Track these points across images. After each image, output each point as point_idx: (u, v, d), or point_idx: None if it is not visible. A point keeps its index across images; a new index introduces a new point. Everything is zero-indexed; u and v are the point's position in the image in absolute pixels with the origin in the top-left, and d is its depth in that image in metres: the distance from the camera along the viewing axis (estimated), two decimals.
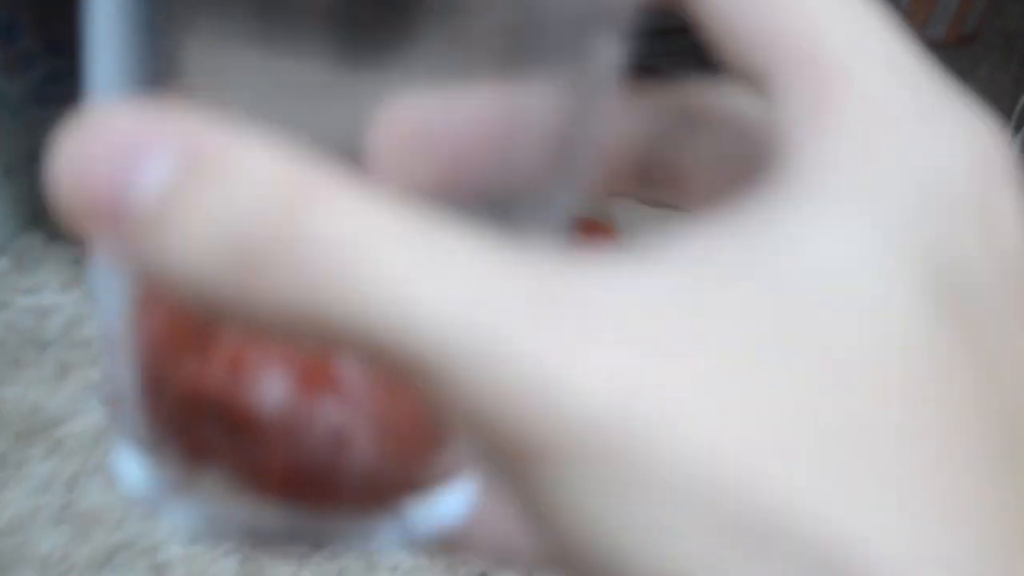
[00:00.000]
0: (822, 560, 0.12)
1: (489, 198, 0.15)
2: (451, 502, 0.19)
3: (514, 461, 0.13)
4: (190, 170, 0.13)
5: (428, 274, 0.12)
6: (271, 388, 0.17)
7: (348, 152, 0.14)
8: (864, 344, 0.13)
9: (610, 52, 0.15)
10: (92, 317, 0.58)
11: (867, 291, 0.13)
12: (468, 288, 0.12)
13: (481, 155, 0.15)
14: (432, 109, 0.14)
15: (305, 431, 0.17)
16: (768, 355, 0.13)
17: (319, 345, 0.13)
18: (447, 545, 0.20)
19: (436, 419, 0.14)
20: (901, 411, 0.13)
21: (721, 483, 0.12)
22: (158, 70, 0.14)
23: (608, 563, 0.12)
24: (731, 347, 0.13)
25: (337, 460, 0.18)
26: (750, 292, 0.13)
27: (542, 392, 0.12)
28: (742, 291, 0.13)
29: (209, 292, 0.13)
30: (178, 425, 0.18)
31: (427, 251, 0.12)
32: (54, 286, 0.60)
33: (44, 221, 0.64)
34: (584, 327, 0.12)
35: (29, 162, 0.62)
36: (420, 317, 0.12)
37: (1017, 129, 0.62)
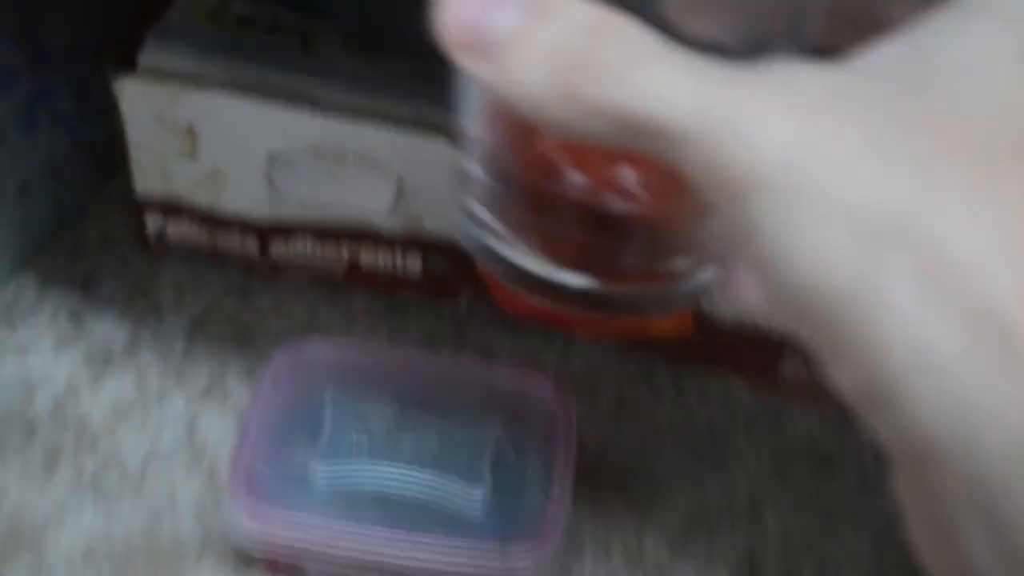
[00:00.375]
0: (926, 252, 0.16)
1: (736, 47, 0.20)
2: (700, 280, 0.25)
3: (731, 200, 0.18)
4: (531, 12, 0.19)
5: (673, 78, 0.18)
6: (574, 180, 0.23)
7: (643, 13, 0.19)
8: (982, 109, 0.17)
9: None
10: (87, 388, 0.50)
11: (993, 77, 0.17)
12: (698, 86, 0.18)
13: (735, 11, 0.21)
14: None
15: (596, 214, 0.23)
16: (901, 121, 0.17)
17: (609, 140, 0.19)
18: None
19: (689, 193, 0.19)
20: (997, 163, 0.17)
21: (857, 199, 0.17)
22: None
23: (787, 268, 0.17)
24: (876, 115, 0.17)
25: (618, 240, 0.24)
26: (899, 80, 0.18)
27: (744, 142, 0.18)
28: (893, 79, 0.18)
29: (537, 103, 0.19)
30: (508, 201, 0.24)
31: (673, 63, 0.19)
32: (45, 347, 0.51)
33: (39, 260, 0.55)
34: (776, 101, 0.18)
35: (19, 193, 0.53)
36: (670, 104, 0.18)
37: None
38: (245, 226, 0.53)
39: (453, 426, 0.45)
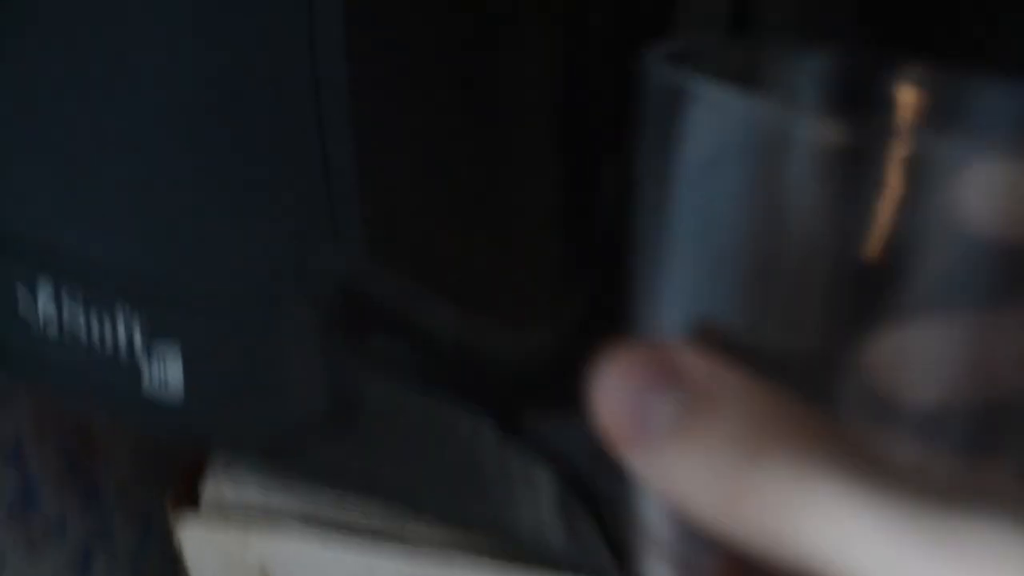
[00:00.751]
0: None
1: (966, 409, 0.18)
2: None
3: None
4: (691, 405, 0.17)
5: (851, 515, 0.16)
6: None
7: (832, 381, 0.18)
8: None
9: None
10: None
11: None
12: (885, 534, 0.15)
13: (962, 373, 0.18)
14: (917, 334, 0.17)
15: None
16: None
17: (775, 559, 0.17)
18: None
19: None
20: None
21: None
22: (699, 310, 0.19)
23: None
24: None
25: None
26: None
27: None
28: None
29: (697, 507, 0.17)
30: None
31: (854, 489, 0.16)
32: None
33: None
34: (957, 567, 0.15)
35: None
36: (843, 550, 0.16)
37: None
38: None
39: None
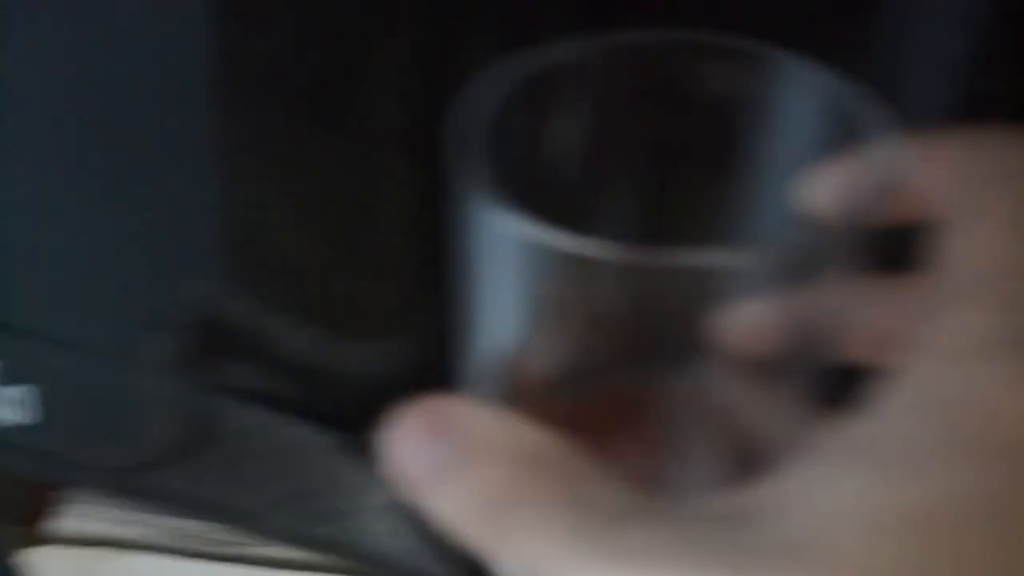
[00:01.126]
0: None
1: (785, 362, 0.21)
2: None
3: None
4: (461, 456, 0.20)
5: (560, 547, 0.19)
6: None
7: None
8: None
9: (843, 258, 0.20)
10: None
11: (848, 545, 0.17)
12: (583, 561, 0.19)
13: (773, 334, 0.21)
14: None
15: None
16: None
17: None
18: None
19: None
20: None
21: None
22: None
23: None
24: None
25: None
26: (758, 537, 0.18)
27: None
28: (760, 535, 0.18)
29: (468, 536, 0.20)
30: None
31: (571, 526, 0.19)
32: None
33: None
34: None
35: None
36: (555, 570, 0.19)
37: None
38: None
39: None
